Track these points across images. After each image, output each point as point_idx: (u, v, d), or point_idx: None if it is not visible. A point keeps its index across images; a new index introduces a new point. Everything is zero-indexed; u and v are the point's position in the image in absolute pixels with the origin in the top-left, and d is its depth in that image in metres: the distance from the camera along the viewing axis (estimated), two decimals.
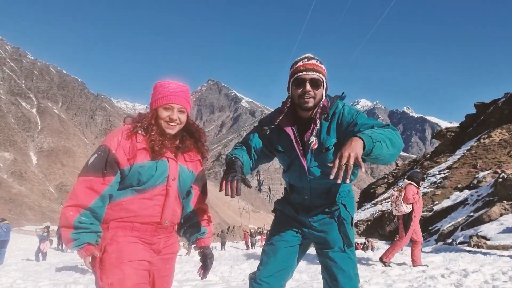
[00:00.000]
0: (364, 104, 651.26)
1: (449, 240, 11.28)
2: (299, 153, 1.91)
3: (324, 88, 1.90)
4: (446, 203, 16.80)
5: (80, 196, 1.65)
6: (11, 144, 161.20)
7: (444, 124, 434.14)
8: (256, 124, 2.12)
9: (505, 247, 8.20)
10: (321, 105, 1.88)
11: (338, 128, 1.87)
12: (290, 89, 1.91)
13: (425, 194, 19.41)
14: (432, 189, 21.23)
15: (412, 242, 6.26)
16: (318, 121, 1.86)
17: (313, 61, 1.86)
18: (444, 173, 23.12)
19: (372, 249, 13.09)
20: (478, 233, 9.96)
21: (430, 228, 14.90)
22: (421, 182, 6.66)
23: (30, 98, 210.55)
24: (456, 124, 51.95)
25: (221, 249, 24.94)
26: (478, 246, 8.75)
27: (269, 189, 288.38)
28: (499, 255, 6.92)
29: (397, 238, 6.44)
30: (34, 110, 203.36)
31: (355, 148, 1.45)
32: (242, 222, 51.69)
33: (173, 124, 1.82)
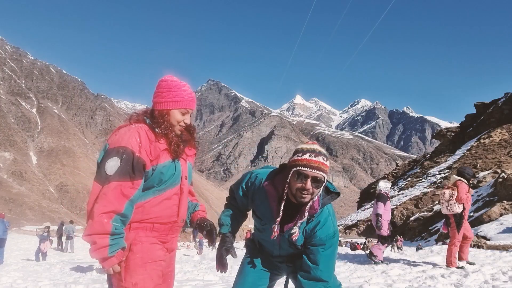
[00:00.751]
0: (364, 104, 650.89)
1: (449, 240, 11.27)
2: (275, 233, 1.92)
3: (323, 186, 1.88)
4: None
5: (114, 202, 1.62)
6: (11, 144, 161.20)
7: (444, 124, 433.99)
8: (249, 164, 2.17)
9: (505, 247, 8.20)
10: (311, 203, 1.86)
11: (308, 235, 1.93)
12: (290, 176, 1.83)
13: (425, 194, 19.41)
14: (432, 189, 21.22)
15: (463, 239, 6.01)
16: (304, 218, 1.87)
17: (320, 158, 1.82)
18: (444, 173, 23.12)
19: (399, 249, 12.38)
20: (478, 233, 9.96)
21: (430, 228, 14.91)
22: (472, 179, 6.35)
23: (30, 98, 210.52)
24: (456, 124, 51.93)
25: None
26: (478, 246, 8.75)
27: None
28: (499, 255, 6.92)
29: (451, 239, 6.07)
30: (34, 110, 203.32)
31: None
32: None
33: (184, 126, 1.88)
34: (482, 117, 32.45)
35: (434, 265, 6.28)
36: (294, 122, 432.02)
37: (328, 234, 1.92)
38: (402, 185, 31.65)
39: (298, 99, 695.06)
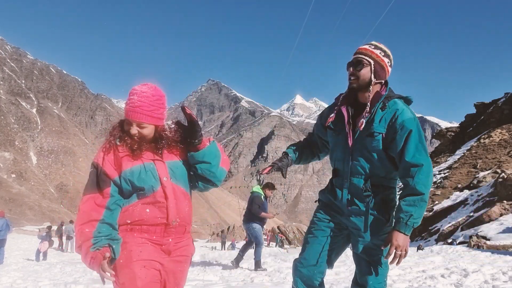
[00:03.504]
0: None
1: (449, 240, 11.28)
2: (347, 132, 1.97)
3: (372, 71, 1.94)
4: (446, 203, 16.80)
5: (89, 212, 1.71)
6: (11, 144, 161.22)
7: (444, 124, 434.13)
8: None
9: (505, 247, 8.21)
10: (374, 93, 1.95)
11: (389, 125, 1.90)
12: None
13: None
14: (432, 189, 21.23)
15: None
16: (368, 107, 1.93)
17: (366, 46, 1.97)
18: (444, 173, 23.11)
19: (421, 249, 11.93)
20: (478, 233, 9.96)
21: (430, 228, 14.91)
22: None
23: (30, 98, 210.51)
24: (456, 124, 51.94)
25: (221, 249, 24.92)
26: (478, 246, 8.76)
27: None
28: (499, 255, 6.92)
29: None
30: (34, 110, 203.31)
31: (406, 245, 1.81)
32: (242, 222, 51.74)
33: (134, 137, 1.82)
34: (482, 117, 32.46)
35: (434, 265, 6.29)
36: (294, 122, 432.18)
37: (409, 117, 1.89)
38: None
39: (298, 99, 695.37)
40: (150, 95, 1.81)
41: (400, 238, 1.78)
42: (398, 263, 1.79)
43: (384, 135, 1.90)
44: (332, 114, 2.05)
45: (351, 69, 1.94)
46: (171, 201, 1.81)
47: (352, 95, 2.02)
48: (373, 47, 1.96)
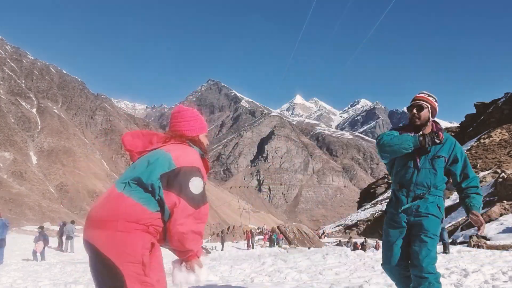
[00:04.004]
0: (364, 104, 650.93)
1: (449, 240, 11.28)
2: (415, 153, 2.70)
3: (430, 112, 2.75)
4: (446, 203, 16.79)
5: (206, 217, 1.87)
6: (11, 144, 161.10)
7: (444, 124, 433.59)
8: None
9: (505, 247, 8.21)
10: (429, 124, 2.77)
11: (450, 153, 2.74)
12: (409, 114, 2.82)
13: None
14: None
15: None
16: (429, 139, 2.67)
17: (422, 94, 2.80)
18: None
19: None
20: (478, 233, 9.96)
21: None
22: None
23: (30, 98, 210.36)
24: (456, 124, 51.89)
25: (221, 249, 24.92)
26: (478, 246, 8.76)
27: (269, 189, 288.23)
28: (499, 255, 6.91)
29: None
30: (34, 110, 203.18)
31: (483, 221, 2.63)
32: (242, 222, 51.68)
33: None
34: (482, 117, 32.48)
35: None
36: (294, 122, 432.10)
37: (461, 149, 2.79)
38: None
39: (298, 99, 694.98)
40: None
41: (480, 216, 2.61)
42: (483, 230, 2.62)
43: (446, 159, 2.73)
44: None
45: (415, 110, 2.73)
46: None
47: (412, 128, 2.79)
48: (427, 95, 2.78)
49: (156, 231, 1.82)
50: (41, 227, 17.22)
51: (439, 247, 7.94)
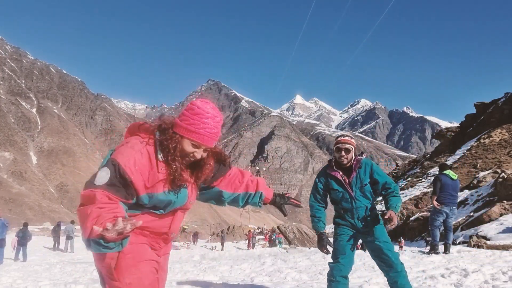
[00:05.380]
0: (364, 104, 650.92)
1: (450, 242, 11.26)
2: (347, 188, 3.28)
3: (354, 152, 3.29)
4: None
5: (108, 203, 1.48)
6: (11, 144, 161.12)
7: (444, 124, 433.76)
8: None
9: (505, 247, 8.21)
10: (354, 162, 3.29)
11: (368, 171, 3.31)
12: (334, 153, 3.33)
13: (425, 194, 19.42)
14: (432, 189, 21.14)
15: None
16: (354, 170, 3.29)
17: (347, 138, 3.33)
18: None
19: (400, 248, 12.46)
20: (478, 233, 9.96)
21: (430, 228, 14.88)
22: None
23: (30, 98, 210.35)
24: (456, 124, 51.92)
25: (221, 249, 24.93)
26: (478, 246, 8.75)
27: None
28: (499, 255, 6.91)
29: None
30: (34, 110, 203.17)
31: (396, 219, 3.04)
32: (242, 222, 51.72)
33: (193, 159, 1.75)
34: (482, 117, 32.45)
35: (434, 265, 6.28)
36: (294, 122, 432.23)
37: (376, 166, 3.37)
38: (402, 185, 31.65)
39: (298, 99, 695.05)
40: (220, 120, 1.77)
41: (394, 214, 3.05)
42: (392, 226, 2.99)
43: (369, 182, 3.30)
44: (332, 180, 3.37)
45: (343, 153, 3.24)
46: (179, 217, 1.87)
47: (339, 166, 3.33)
48: (350, 138, 3.33)
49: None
50: (25, 224, 16.80)
51: (440, 247, 7.93)
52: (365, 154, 3.44)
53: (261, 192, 2.11)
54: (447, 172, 7.73)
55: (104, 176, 1.55)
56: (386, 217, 3.00)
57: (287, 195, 2.23)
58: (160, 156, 1.67)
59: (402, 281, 3.20)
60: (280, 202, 2.19)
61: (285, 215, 2.23)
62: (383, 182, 3.31)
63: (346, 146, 3.26)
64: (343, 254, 3.25)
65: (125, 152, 1.62)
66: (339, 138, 3.35)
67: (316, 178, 3.49)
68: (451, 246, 8.04)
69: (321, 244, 3.27)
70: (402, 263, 3.24)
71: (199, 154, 1.72)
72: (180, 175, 1.69)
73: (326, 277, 3.34)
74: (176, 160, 1.67)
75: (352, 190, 3.27)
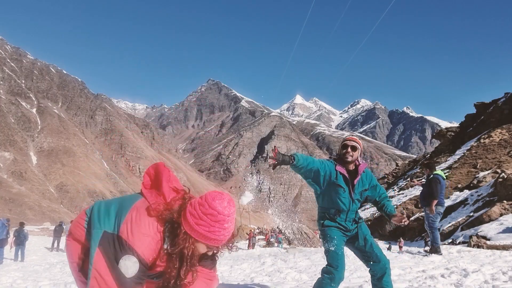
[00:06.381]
0: (364, 104, 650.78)
1: (449, 240, 11.27)
2: (350, 189, 3.25)
3: (359, 153, 3.29)
4: (446, 203, 16.77)
5: None
6: (11, 144, 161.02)
7: (444, 124, 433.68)
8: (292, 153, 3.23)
9: (505, 247, 8.21)
10: (358, 164, 3.32)
11: (368, 179, 3.40)
12: (340, 150, 3.35)
13: None
14: None
15: None
16: (359, 173, 3.31)
17: (355, 137, 3.34)
18: (444, 173, 23.05)
19: (400, 248, 12.59)
20: (478, 233, 9.95)
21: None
22: None
23: (30, 98, 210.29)
24: (456, 124, 51.91)
25: None
26: (478, 246, 8.75)
27: (269, 189, 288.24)
28: (499, 255, 6.91)
29: None
30: (34, 110, 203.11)
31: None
32: (242, 222, 51.69)
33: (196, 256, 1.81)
34: (482, 117, 32.44)
35: (434, 265, 6.28)
36: (294, 122, 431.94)
37: (372, 176, 3.47)
38: (402, 185, 31.64)
39: (298, 99, 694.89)
40: (232, 220, 1.76)
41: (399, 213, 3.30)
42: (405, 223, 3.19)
43: (367, 188, 3.39)
44: (338, 174, 3.26)
45: (350, 149, 3.24)
46: None
47: (342, 163, 3.29)
48: (359, 138, 3.30)
49: None
50: (21, 224, 16.71)
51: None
52: (362, 161, 3.44)
53: None
54: (439, 172, 7.71)
55: (132, 266, 1.58)
56: (399, 218, 3.22)
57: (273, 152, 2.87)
58: (166, 246, 1.69)
59: (387, 279, 3.22)
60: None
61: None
62: (379, 189, 3.44)
63: (354, 144, 3.27)
64: (343, 263, 3.21)
65: (142, 240, 1.62)
66: (348, 136, 3.39)
67: (323, 160, 3.33)
68: (450, 245, 8.03)
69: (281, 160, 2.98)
70: (388, 259, 3.27)
71: (210, 252, 1.80)
72: (178, 279, 1.75)
73: (321, 275, 3.22)
74: (185, 265, 1.72)
75: (354, 192, 3.27)
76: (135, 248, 1.58)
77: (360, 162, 3.35)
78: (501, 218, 10.64)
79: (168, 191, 1.76)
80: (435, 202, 7.41)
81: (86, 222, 1.84)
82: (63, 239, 20.89)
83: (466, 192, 16.64)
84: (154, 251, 1.65)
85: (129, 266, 1.57)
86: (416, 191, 24.73)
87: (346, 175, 3.24)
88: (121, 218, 1.65)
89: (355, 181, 3.26)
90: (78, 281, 1.92)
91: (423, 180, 7.74)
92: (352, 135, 3.38)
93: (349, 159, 3.24)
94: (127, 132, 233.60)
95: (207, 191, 1.75)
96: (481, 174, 18.17)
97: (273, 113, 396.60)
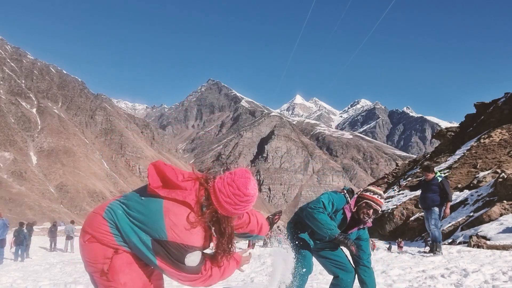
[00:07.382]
0: (364, 104, 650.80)
1: (449, 240, 11.27)
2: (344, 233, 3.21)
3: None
4: None
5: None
6: (11, 144, 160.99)
7: (444, 124, 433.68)
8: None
9: (505, 247, 8.20)
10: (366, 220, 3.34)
11: (359, 235, 3.33)
12: (361, 203, 3.08)
13: None
14: None
15: None
16: (359, 226, 3.25)
17: (382, 201, 3.06)
18: (444, 173, 23.09)
19: (399, 247, 12.72)
20: (478, 233, 9.95)
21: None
22: None
23: (30, 98, 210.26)
24: (456, 124, 51.90)
25: None
26: (478, 246, 8.74)
27: (269, 189, 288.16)
28: (499, 255, 6.91)
29: None
30: (34, 110, 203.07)
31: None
32: None
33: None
34: (482, 117, 32.43)
35: (434, 265, 6.28)
36: (294, 122, 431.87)
37: (367, 233, 3.38)
38: (395, 192, 31.64)
39: (298, 99, 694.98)
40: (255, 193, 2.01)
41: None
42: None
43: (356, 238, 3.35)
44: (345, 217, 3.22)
45: (371, 212, 3.04)
46: None
47: (352, 218, 3.16)
48: (383, 200, 3.11)
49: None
50: (21, 224, 16.71)
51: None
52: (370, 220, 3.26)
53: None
54: (441, 174, 7.79)
55: (196, 257, 1.78)
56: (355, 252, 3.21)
57: (276, 218, 2.71)
58: (212, 229, 1.88)
59: (370, 280, 3.30)
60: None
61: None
62: (365, 255, 3.34)
63: (380, 208, 3.02)
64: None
65: (192, 235, 1.75)
66: (377, 197, 3.01)
67: (329, 197, 3.17)
68: (450, 245, 8.03)
69: (349, 242, 3.09)
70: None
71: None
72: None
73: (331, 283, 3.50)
74: (223, 241, 1.92)
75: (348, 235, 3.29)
76: (191, 244, 1.73)
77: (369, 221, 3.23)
78: (501, 218, 10.64)
79: (184, 184, 1.83)
80: (450, 204, 7.63)
81: (112, 228, 1.76)
82: (59, 239, 20.89)
83: (466, 192, 16.63)
84: (205, 237, 1.83)
85: (194, 258, 1.76)
86: (416, 191, 24.68)
87: (347, 220, 3.13)
88: (160, 226, 1.70)
89: (350, 231, 3.20)
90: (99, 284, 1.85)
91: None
92: (381, 196, 3.04)
93: (365, 220, 3.06)
94: (127, 132, 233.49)
95: (236, 169, 1.96)
96: (481, 174, 18.17)
97: (273, 113, 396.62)
